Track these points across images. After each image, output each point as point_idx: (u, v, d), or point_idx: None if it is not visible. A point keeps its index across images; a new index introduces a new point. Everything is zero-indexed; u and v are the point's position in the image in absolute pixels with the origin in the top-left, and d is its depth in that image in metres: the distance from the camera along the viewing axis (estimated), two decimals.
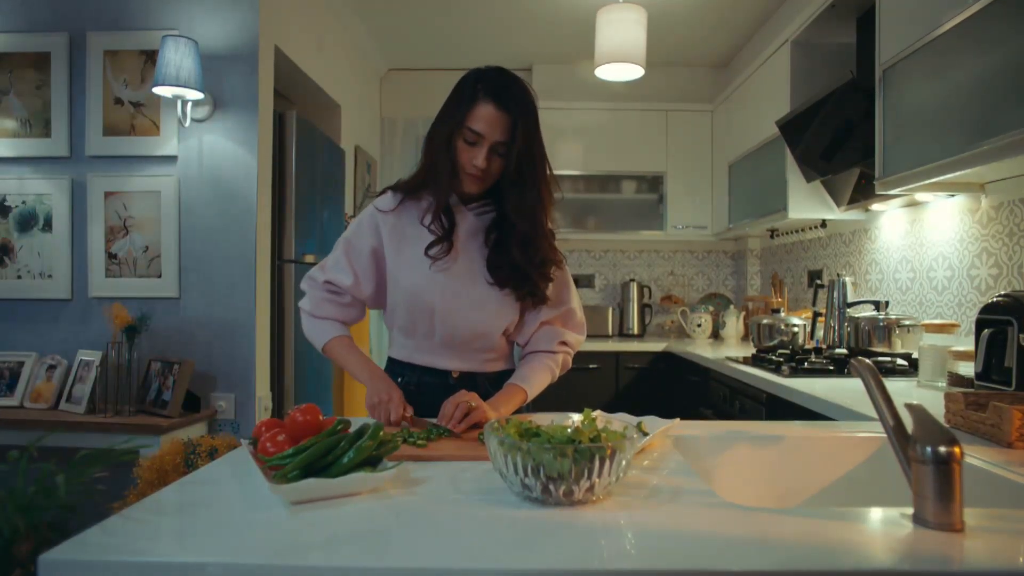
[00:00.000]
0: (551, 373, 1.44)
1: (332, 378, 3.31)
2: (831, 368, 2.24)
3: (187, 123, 2.52)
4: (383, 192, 1.45)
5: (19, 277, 2.63)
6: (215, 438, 1.72)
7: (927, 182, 1.81)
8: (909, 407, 0.82)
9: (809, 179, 2.73)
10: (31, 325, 2.63)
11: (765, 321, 3.02)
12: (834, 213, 2.87)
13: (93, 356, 2.45)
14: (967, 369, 1.78)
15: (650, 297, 4.34)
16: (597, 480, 0.82)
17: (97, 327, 2.56)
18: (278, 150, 2.81)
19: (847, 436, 1.27)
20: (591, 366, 3.68)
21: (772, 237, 3.87)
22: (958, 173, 1.69)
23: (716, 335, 4.07)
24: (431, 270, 1.36)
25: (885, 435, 0.84)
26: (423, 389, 1.45)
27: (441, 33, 3.97)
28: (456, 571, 0.66)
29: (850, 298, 2.62)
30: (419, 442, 1.14)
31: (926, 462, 0.76)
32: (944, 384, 1.80)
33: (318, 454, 0.89)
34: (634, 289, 4.24)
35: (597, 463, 0.81)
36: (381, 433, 0.93)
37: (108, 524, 0.76)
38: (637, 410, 1.47)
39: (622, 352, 3.73)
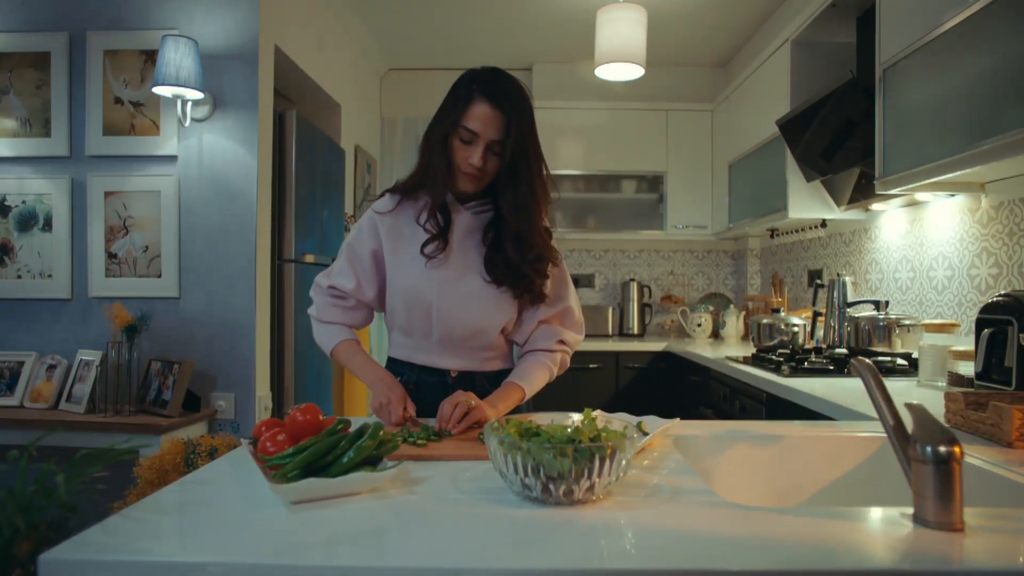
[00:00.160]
0: (549, 372, 1.45)
1: (332, 378, 3.31)
2: (831, 368, 2.24)
3: (187, 123, 2.52)
4: (382, 195, 1.47)
5: (19, 277, 2.63)
6: (215, 438, 1.72)
7: (927, 182, 1.81)
8: (909, 407, 0.82)
9: (809, 179, 2.73)
10: (31, 325, 2.63)
11: (765, 321, 3.02)
12: (834, 213, 2.87)
13: (93, 356, 2.45)
14: (967, 369, 1.78)
15: (650, 297, 4.34)
16: (597, 480, 0.82)
17: (97, 327, 2.56)
18: (278, 150, 2.81)
19: (847, 436, 1.27)
20: (591, 366, 3.68)
21: (772, 237, 3.87)
22: (958, 173, 1.69)
23: (716, 335, 4.07)
24: (427, 268, 1.38)
25: (885, 435, 0.84)
26: (422, 388, 1.46)
27: (441, 33, 3.97)
28: (456, 571, 0.66)
29: (850, 298, 2.62)
30: (419, 442, 1.14)
31: (926, 462, 0.76)
32: (944, 384, 1.80)
33: (318, 454, 0.89)
34: (634, 289, 4.24)
35: (597, 463, 0.81)
36: (381, 433, 0.93)
37: (108, 524, 0.76)
38: (637, 410, 1.47)
39: (622, 352, 3.73)
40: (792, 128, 2.66)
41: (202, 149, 2.58)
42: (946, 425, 1.12)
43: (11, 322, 2.64)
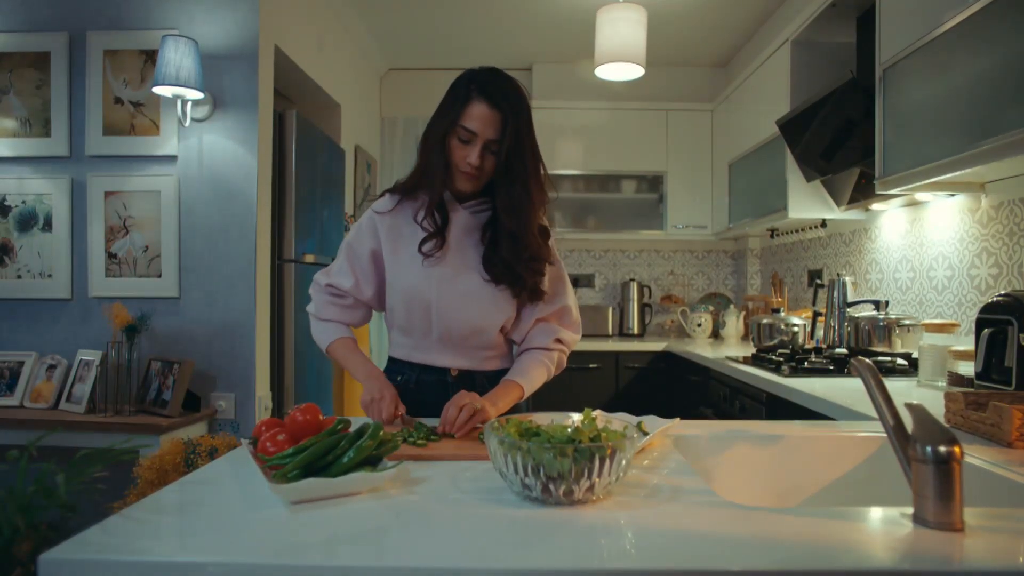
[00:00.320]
0: (547, 370, 1.45)
1: (332, 378, 3.31)
2: (831, 368, 2.24)
3: (187, 123, 2.52)
4: (381, 195, 1.48)
5: (19, 277, 2.63)
6: (215, 438, 1.72)
7: (927, 182, 1.81)
8: (909, 407, 0.82)
9: (809, 179, 2.73)
10: (31, 325, 2.63)
11: (765, 321, 3.02)
12: (834, 213, 2.87)
13: (93, 356, 2.45)
14: (967, 369, 1.78)
15: (650, 297, 4.34)
16: (597, 480, 0.82)
17: (97, 327, 2.56)
18: (278, 150, 2.81)
19: (847, 436, 1.27)
20: (591, 366, 3.69)
21: (772, 237, 3.87)
22: (958, 173, 1.69)
23: (716, 335, 4.07)
24: (425, 266, 1.39)
25: (885, 435, 0.84)
26: (422, 387, 1.46)
27: (441, 33, 3.97)
28: (456, 571, 0.66)
29: (850, 298, 2.62)
30: (419, 442, 1.14)
31: (926, 461, 0.76)
32: (944, 384, 1.80)
33: (318, 454, 0.89)
34: (634, 289, 4.24)
35: (597, 463, 0.81)
36: (381, 433, 0.93)
37: (108, 524, 0.76)
38: (637, 410, 1.47)
39: (622, 352, 3.73)
40: (792, 128, 2.66)
41: (202, 149, 2.58)
42: (946, 425, 1.12)
43: (11, 322, 2.64)
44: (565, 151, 4.04)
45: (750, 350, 2.97)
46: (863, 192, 2.64)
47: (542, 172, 1.37)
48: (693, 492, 0.90)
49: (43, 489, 0.81)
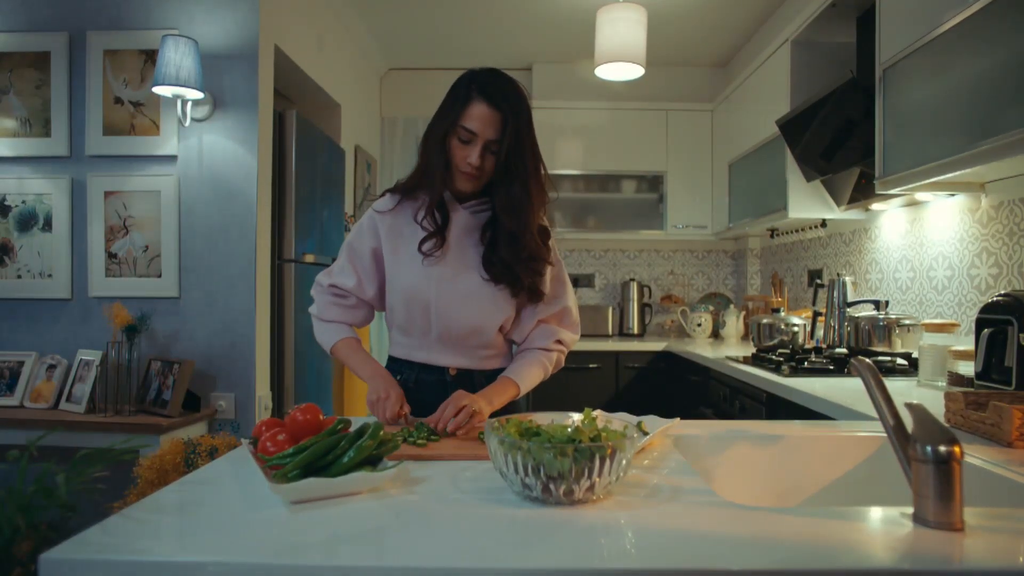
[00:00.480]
0: (544, 370, 1.46)
1: (332, 378, 3.31)
2: (831, 368, 2.24)
3: (187, 123, 2.52)
4: (382, 195, 1.48)
5: (19, 277, 2.63)
6: (215, 437, 1.72)
7: (927, 181, 1.81)
8: (909, 406, 0.82)
9: (809, 178, 2.73)
10: (31, 325, 2.63)
11: (765, 321, 3.02)
12: (834, 212, 2.87)
13: (93, 356, 2.45)
14: (967, 368, 1.78)
15: (650, 297, 4.34)
16: (597, 479, 0.82)
17: (97, 327, 2.56)
18: (278, 150, 2.81)
19: (847, 435, 1.27)
20: (591, 365, 3.69)
21: (772, 236, 3.87)
22: (958, 173, 1.69)
23: (716, 335, 4.07)
24: (424, 265, 1.39)
25: (885, 435, 0.84)
26: (421, 386, 1.47)
27: (441, 33, 3.97)
28: (456, 570, 0.66)
29: (850, 297, 2.62)
30: (419, 441, 1.14)
31: (926, 461, 0.76)
32: (944, 383, 1.80)
33: (318, 453, 0.89)
34: (634, 288, 4.24)
35: (597, 462, 0.81)
36: (381, 432, 0.93)
37: (108, 523, 0.76)
38: (637, 410, 1.47)
39: (622, 351, 3.73)
40: (792, 128, 2.66)
41: (202, 149, 2.58)
42: (946, 425, 1.12)
43: (11, 322, 2.64)
44: (565, 151, 4.04)
45: (750, 350, 2.97)
46: (863, 192, 2.64)
47: (542, 172, 1.38)
48: (693, 492, 0.90)
49: (43, 489, 0.81)
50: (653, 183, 4.10)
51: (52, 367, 2.51)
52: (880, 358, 2.24)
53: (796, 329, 2.94)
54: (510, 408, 1.41)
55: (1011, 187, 1.97)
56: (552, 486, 0.82)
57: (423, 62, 4.45)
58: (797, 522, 0.77)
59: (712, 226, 4.05)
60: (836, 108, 2.32)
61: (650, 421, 1.27)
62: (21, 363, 2.55)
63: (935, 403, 1.43)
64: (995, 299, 1.58)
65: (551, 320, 1.48)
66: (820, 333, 2.76)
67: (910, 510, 0.78)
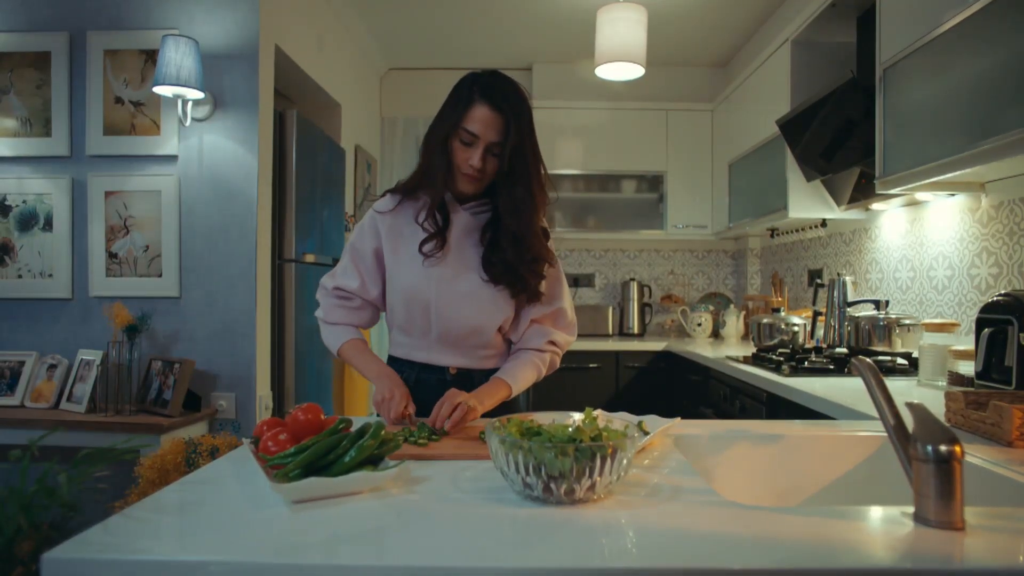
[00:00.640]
0: (537, 371, 1.46)
1: (332, 377, 3.31)
2: (831, 367, 2.24)
3: (187, 122, 2.52)
4: (383, 195, 1.49)
5: (20, 276, 2.63)
6: (216, 437, 1.72)
7: (927, 181, 1.82)
8: (910, 406, 0.82)
9: (809, 178, 2.73)
10: (32, 324, 2.63)
11: (765, 320, 3.02)
12: (834, 212, 2.87)
13: (94, 355, 2.45)
14: (967, 368, 1.78)
15: (650, 296, 4.35)
16: (598, 479, 0.82)
17: (98, 326, 2.56)
18: (278, 149, 2.81)
19: (847, 435, 1.27)
20: (591, 365, 3.69)
21: (772, 236, 3.87)
22: (958, 172, 1.69)
23: (716, 334, 4.07)
24: (425, 266, 1.40)
25: (885, 434, 0.84)
26: (421, 386, 1.47)
27: (441, 33, 3.97)
28: (457, 570, 0.66)
29: (850, 297, 2.62)
30: (420, 441, 1.14)
31: (927, 460, 0.76)
32: (944, 383, 1.80)
33: (320, 453, 0.89)
34: (634, 288, 4.25)
35: (598, 462, 0.81)
36: (382, 432, 0.93)
37: (110, 523, 0.76)
38: (637, 409, 1.47)
39: (622, 351, 3.73)
40: (792, 128, 2.66)
41: (202, 149, 2.58)
42: (947, 424, 1.12)
43: (12, 322, 2.64)
44: (565, 151, 4.04)
45: (750, 350, 2.97)
46: (863, 192, 2.64)
47: (543, 173, 1.39)
48: (694, 491, 0.90)
49: (45, 489, 0.81)
50: (653, 183, 4.11)
51: (53, 367, 2.51)
52: (880, 358, 2.24)
53: (796, 329, 2.94)
54: (510, 408, 1.42)
55: (1011, 187, 1.97)
56: (553, 485, 0.82)
57: (423, 62, 4.45)
58: (798, 521, 0.77)
59: (712, 226, 4.05)
60: (836, 108, 2.32)
61: (651, 421, 1.28)
62: (22, 363, 2.55)
63: (935, 403, 1.43)
64: (995, 299, 1.58)
65: (545, 320, 1.48)
66: (820, 333, 2.76)
67: (911, 509, 0.79)
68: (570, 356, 1.55)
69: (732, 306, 4.08)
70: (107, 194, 2.59)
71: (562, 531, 0.75)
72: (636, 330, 4.23)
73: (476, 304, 1.41)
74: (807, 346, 2.75)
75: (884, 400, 0.85)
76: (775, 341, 2.91)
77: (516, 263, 1.37)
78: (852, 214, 2.84)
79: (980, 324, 1.60)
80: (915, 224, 2.50)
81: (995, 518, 0.79)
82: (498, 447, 0.85)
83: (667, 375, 3.67)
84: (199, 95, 2.43)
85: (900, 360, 2.23)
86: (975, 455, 1.11)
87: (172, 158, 2.58)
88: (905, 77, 1.89)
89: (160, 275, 2.58)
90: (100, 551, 0.69)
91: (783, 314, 3.02)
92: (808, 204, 2.88)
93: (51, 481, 0.80)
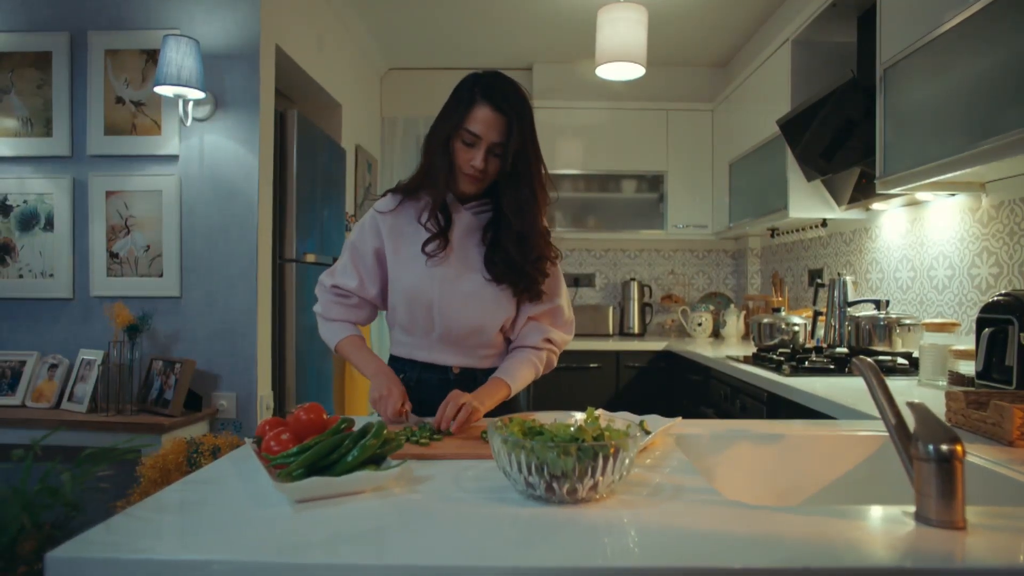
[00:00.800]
0: (535, 370, 1.46)
1: (333, 377, 3.31)
2: (832, 367, 2.24)
3: (188, 122, 2.52)
4: (384, 195, 1.49)
5: (20, 276, 2.63)
6: (218, 437, 1.72)
7: (928, 181, 1.82)
8: (911, 405, 0.83)
9: (810, 178, 2.73)
10: (33, 324, 2.63)
11: (766, 320, 3.02)
12: (835, 212, 2.87)
13: (95, 355, 2.45)
14: (968, 368, 1.78)
15: (650, 296, 4.35)
16: (601, 478, 0.82)
17: (99, 326, 2.56)
18: (279, 149, 2.81)
19: (848, 435, 1.27)
20: (591, 365, 3.69)
21: (772, 236, 3.88)
22: (959, 172, 1.69)
23: (717, 334, 4.08)
24: (427, 266, 1.40)
25: (885, 434, 0.84)
26: (423, 385, 1.48)
27: (441, 33, 3.97)
28: (460, 569, 0.67)
29: (850, 297, 2.63)
30: (422, 440, 1.14)
31: (928, 460, 0.77)
32: (945, 383, 1.80)
33: (322, 452, 0.89)
34: (634, 288, 4.25)
35: (601, 461, 0.81)
36: (385, 432, 0.93)
37: (113, 523, 0.76)
38: (638, 409, 1.48)
39: (623, 351, 3.73)
40: (792, 127, 2.66)
41: (203, 149, 2.59)
42: (948, 424, 1.13)
43: (13, 322, 2.64)
44: (565, 151, 4.04)
45: (751, 349, 2.97)
46: (863, 192, 2.64)
47: (544, 173, 1.39)
48: (695, 491, 0.90)
49: (47, 488, 0.81)
50: (653, 183, 4.11)
51: (54, 367, 2.52)
52: (881, 358, 2.24)
53: (797, 329, 2.94)
54: (510, 408, 1.42)
55: (1012, 187, 1.98)
56: (555, 485, 0.82)
57: (423, 62, 4.45)
58: (799, 520, 0.77)
59: (712, 226, 4.05)
60: (837, 108, 2.32)
61: (652, 420, 1.28)
62: (23, 363, 2.55)
63: (936, 402, 1.43)
64: (996, 299, 1.58)
65: (542, 318, 1.49)
66: (821, 333, 2.76)
67: (912, 509, 0.79)
68: (570, 356, 1.55)
69: (732, 306, 4.08)
70: (108, 194, 2.59)
71: (564, 531, 0.75)
72: (636, 330, 4.23)
73: (479, 303, 1.42)
74: (807, 346, 2.75)
75: (885, 400, 0.85)
76: (775, 341, 2.91)
77: (521, 262, 1.37)
78: (852, 214, 2.84)
79: (980, 324, 1.60)
80: (915, 224, 2.50)
81: (996, 517, 0.79)
82: (500, 447, 0.85)
83: (667, 375, 3.67)
84: (200, 95, 2.43)
85: (900, 360, 2.23)
86: (976, 455, 1.11)
87: (173, 158, 2.59)
88: (905, 77, 1.90)
89: (161, 275, 2.58)
90: (103, 550, 0.69)
91: (783, 314, 3.02)
92: (808, 204, 2.88)
93: (54, 481, 0.80)
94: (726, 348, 3.35)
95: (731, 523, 0.78)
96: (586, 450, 0.80)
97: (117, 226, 2.59)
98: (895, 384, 1.91)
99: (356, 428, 0.96)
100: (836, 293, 2.66)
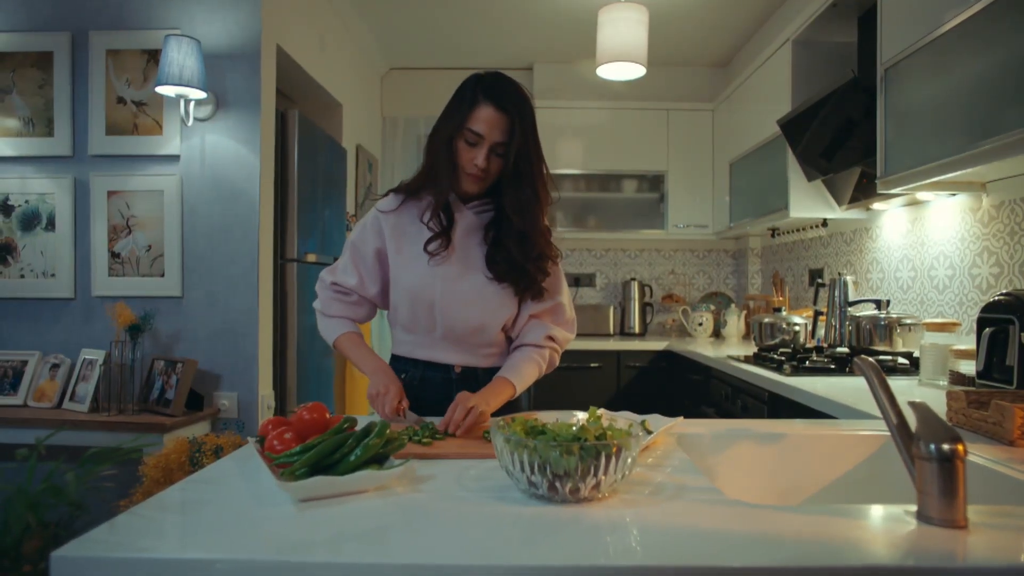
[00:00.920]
0: (538, 367, 1.47)
1: (334, 376, 3.32)
2: (832, 367, 2.24)
3: (190, 122, 2.53)
4: (386, 194, 1.50)
5: (22, 276, 2.64)
6: (220, 436, 1.72)
7: (928, 181, 1.82)
8: (912, 405, 0.83)
9: (810, 178, 2.74)
10: (34, 324, 2.63)
11: (766, 320, 3.02)
12: (835, 212, 2.87)
13: (96, 355, 2.45)
14: (968, 367, 1.78)
15: (651, 296, 4.35)
16: (603, 477, 0.82)
17: (100, 326, 2.57)
18: (280, 149, 2.81)
19: (848, 434, 1.27)
20: (592, 365, 3.69)
21: (773, 236, 3.88)
22: (959, 172, 1.69)
23: (717, 334, 4.08)
24: (430, 265, 1.40)
25: (886, 433, 0.85)
26: (425, 384, 1.48)
27: (442, 32, 3.98)
28: (463, 568, 0.67)
29: (851, 297, 2.63)
30: (424, 440, 1.15)
31: (930, 459, 0.77)
32: (945, 382, 1.80)
33: (325, 452, 0.89)
34: (635, 288, 4.25)
35: (603, 460, 0.81)
36: (388, 431, 0.94)
37: (117, 522, 0.76)
38: (639, 409, 1.48)
39: (623, 351, 3.73)
40: (793, 127, 2.66)
41: (205, 149, 2.59)
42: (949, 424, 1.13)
43: (14, 321, 2.64)
44: (566, 151, 4.04)
45: (751, 349, 2.97)
46: (864, 191, 2.64)
47: (545, 173, 1.40)
48: (697, 490, 0.90)
49: (51, 488, 0.81)
50: (654, 183, 4.11)
51: (55, 366, 2.52)
52: (881, 357, 2.25)
53: (797, 328, 2.95)
54: (512, 408, 1.42)
55: (1012, 187, 1.98)
56: (558, 484, 0.82)
57: (424, 62, 4.46)
58: (801, 520, 0.78)
59: (713, 225, 4.05)
60: (837, 108, 2.32)
61: (653, 420, 1.28)
62: (24, 362, 2.55)
63: (937, 402, 1.43)
64: (996, 298, 1.59)
65: (544, 316, 1.49)
66: (821, 332, 2.76)
67: (913, 508, 0.79)
68: (571, 356, 1.56)
69: (733, 306, 4.08)
70: (109, 194, 2.59)
71: (567, 529, 0.75)
72: (637, 330, 4.23)
73: (481, 302, 1.42)
74: (808, 346, 2.75)
75: (887, 399, 0.85)
76: (776, 341, 2.91)
77: (523, 261, 1.38)
78: (853, 214, 2.84)
79: (981, 324, 1.60)
80: (916, 224, 2.50)
81: (997, 516, 0.79)
82: (503, 446, 0.85)
83: (668, 375, 3.68)
84: (201, 95, 2.43)
85: (901, 360, 2.23)
86: (977, 454, 1.11)
87: (174, 158, 2.59)
88: (906, 77, 1.90)
89: (162, 275, 2.59)
90: (107, 550, 0.69)
91: (784, 314, 3.03)
92: (809, 204, 2.88)
93: (59, 480, 0.80)
94: (727, 348, 3.35)
95: (733, 522, 0.78)
96: (588, 449, 0.81)
97: (119, 226, 2.60)
98: (896, 384, 1.92)
99: (359, 427, 0.96)
100: (837, 293, 2.66)
